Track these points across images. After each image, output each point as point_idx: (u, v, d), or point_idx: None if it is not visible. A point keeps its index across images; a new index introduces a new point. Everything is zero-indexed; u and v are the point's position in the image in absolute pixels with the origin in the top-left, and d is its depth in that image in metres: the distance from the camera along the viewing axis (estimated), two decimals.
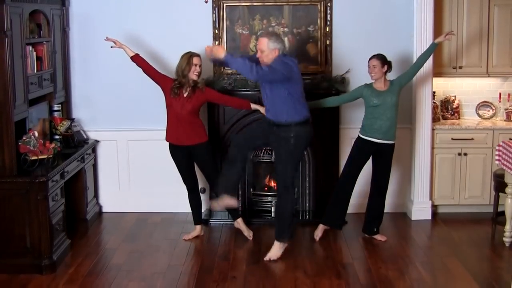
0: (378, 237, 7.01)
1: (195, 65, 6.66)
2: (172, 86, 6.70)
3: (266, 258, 6.45)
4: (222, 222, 7.57)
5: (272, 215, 7.52)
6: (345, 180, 6.96)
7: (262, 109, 6.69)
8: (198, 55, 6.71)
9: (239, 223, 7.14)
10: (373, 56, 6.73)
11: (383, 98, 6.68)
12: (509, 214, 6.70)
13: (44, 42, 6.87)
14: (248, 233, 7.05)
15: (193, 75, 6.66)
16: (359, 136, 6.88)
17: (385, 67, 6.72)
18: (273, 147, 6.61)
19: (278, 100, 6.25)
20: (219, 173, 6.81)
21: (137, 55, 6.83)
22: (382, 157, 6.86)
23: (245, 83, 7.35)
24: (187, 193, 7.09)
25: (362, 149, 6.85)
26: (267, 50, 6.15)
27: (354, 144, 6.96)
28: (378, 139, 6.75)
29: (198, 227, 7.15)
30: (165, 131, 6.86)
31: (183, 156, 6.88)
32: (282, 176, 6.49)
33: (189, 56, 6.68)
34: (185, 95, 6.69)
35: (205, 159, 6.93)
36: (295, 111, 6.29)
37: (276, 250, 6.50)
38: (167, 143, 6.90)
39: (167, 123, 6.84)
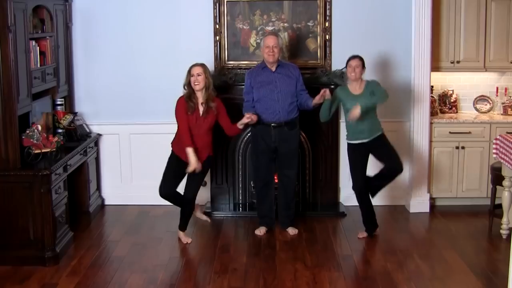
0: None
1: (192, 75, 6.49)
2: (186, 103, 6.50)
3: (292, 233, 7.05)
4: (223, 215, 7.64)
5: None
6: (359, 187, 6.84)
7: (245, 119, 6.66)
8: (198, 65, 6.53)
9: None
10: (355, 57, 6.66)
11: (356, 103, 6.53)
12: (506, 207, 6.74)
13: (47, 37, 6.91)
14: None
15: (194, 85, 6.49)
16: (348, 143, 6.82)
17: (364, 69, 6.69)
18: (282, 148, 6.93)
19: (291, 99, 6.80)
20: (198, 187, 6.81)
21: (189, 145, 6.50)
22: (379, 147, 6.74)
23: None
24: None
25: (355, 152, 6.76)
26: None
27: (347, 152, 6.86)
28: (365, 139, 6.69)
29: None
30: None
31: (181, 169, 6.60)
32: (295, 168, 7.07)
33: (190, 67, 6.56)
34: (201, 113, 6.52)
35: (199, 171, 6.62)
36: (297, 106, 6.86)
37: (295, 230, 7.09)
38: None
39: (179, 140, 6.58)
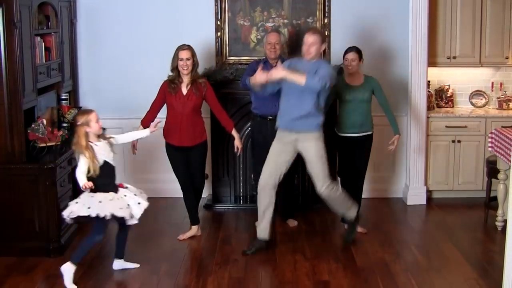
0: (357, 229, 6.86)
1: (181, 59, 6.41)
2: (168, 84, 6.53)
3: (292, 225, 7.13)
4: (224, 207, 7.73)
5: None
6: (345, 179, 6.88)
7: (238, 140, 6.75)
8: (186, 49, 6.46)
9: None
10: (351, 49, 6.61)
11: (354, 94, 6.59)
12: (501, 199, 6.80)
13: (52, 33, 6.96)
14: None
15: (182, 70, 6.45)
16: (336, 134, 6.79)
17: (361, 61, 6.66)
18: None
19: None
20: (203, 177, 6.90)
21: (143, 124, 6.69)
22: (360, 145, 6.72)
23: None
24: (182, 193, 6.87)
25: (343, 146, 6.77)
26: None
27: (336, 140, 6.83)
28: (354, 133, 6.67)
29: (195, 227, 6.87)
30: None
31: (182, 157, 6.66)
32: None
33: (176, 51, 6.49)
34: (184, 93, 6.51)
35: (198, 158, 6.70)
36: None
37: (294, 222, 7.16)
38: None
39: (168, 124, 6.65)
